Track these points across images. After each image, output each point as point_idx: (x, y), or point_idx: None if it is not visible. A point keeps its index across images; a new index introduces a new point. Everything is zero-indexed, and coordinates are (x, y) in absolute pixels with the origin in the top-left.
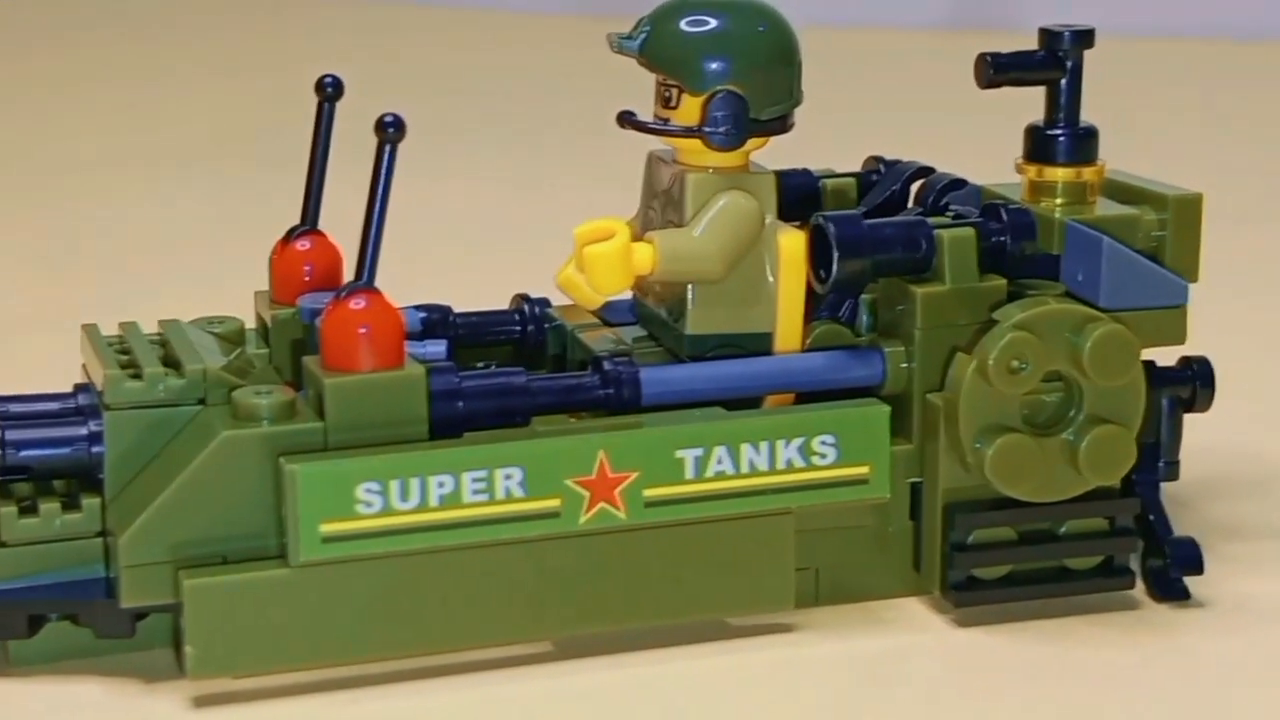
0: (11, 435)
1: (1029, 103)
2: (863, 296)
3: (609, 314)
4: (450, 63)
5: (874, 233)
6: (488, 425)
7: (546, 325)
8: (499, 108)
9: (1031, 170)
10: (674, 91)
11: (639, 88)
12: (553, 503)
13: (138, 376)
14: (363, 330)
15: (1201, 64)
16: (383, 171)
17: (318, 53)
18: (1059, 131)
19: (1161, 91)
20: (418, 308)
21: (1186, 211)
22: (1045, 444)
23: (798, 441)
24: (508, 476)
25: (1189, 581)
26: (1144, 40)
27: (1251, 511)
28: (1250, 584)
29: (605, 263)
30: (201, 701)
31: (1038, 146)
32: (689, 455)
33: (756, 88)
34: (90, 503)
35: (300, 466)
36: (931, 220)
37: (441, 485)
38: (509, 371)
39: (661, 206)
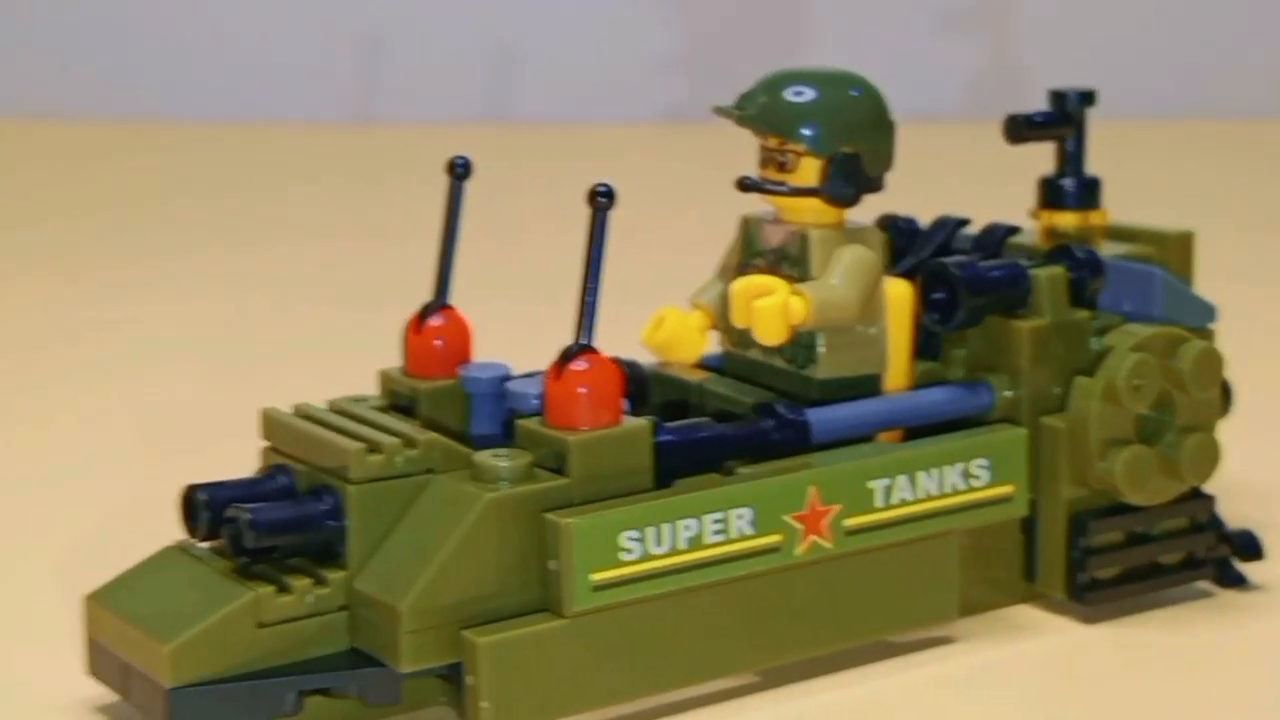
0: (259, 517)
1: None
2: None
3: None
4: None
5: (989, 274)
6: (691, 472)
7: (651, 378)
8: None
9: (1044, 217)
10: (791, 156)
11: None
12: (776, 538)
13: (375, 451)
14: (584, 390)
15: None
16: (596, 238)
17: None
18: (1068, 181)
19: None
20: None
21: (1182, 247)
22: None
23: (960, 466)
24: (739, 516)
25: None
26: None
27: (1258, 505)
28: None
29: (772, 315)
30: None
31: (1049, 195)
32: (879, 485)
33: (869, 149)
34: (335, 577)
35: (574, 520)
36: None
37: (687, 529)
38: (699, 424)
39: (770, 264)
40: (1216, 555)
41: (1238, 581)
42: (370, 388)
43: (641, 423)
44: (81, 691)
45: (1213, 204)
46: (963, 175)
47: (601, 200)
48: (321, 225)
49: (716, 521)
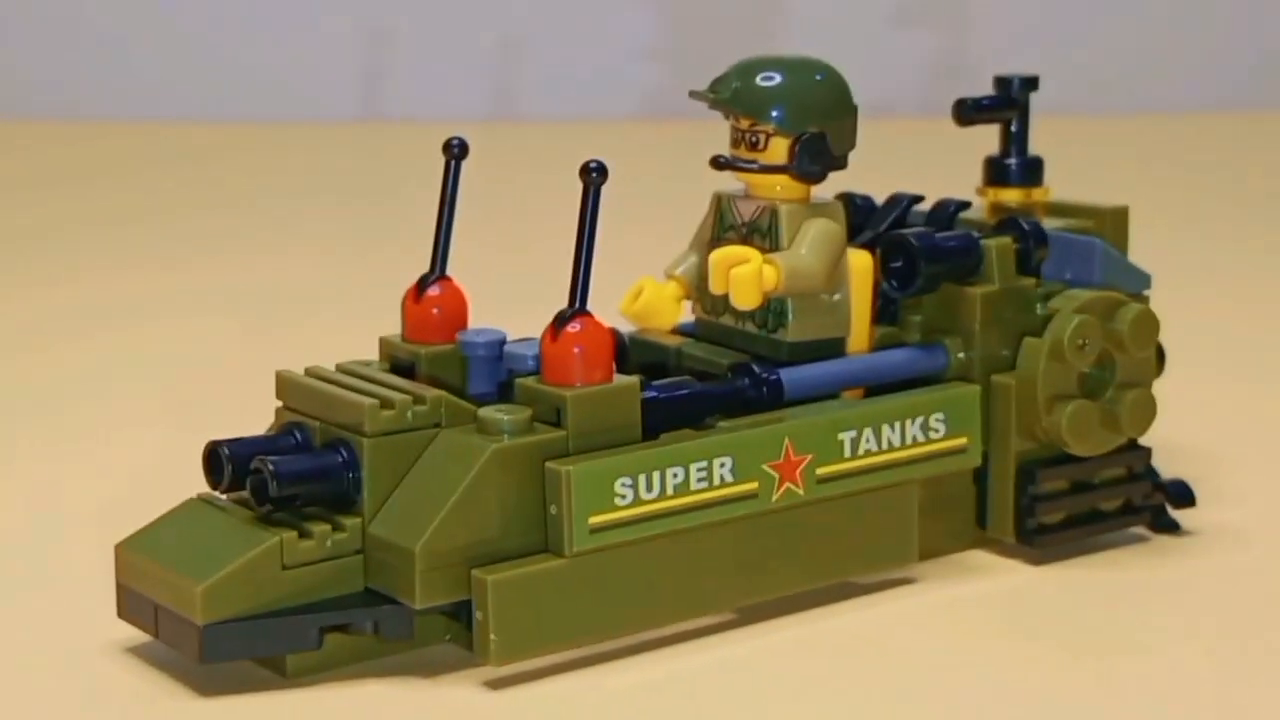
0: (283, 468)
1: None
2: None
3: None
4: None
5: (945, 244)
6: (675, 427)
7: (628, 343)
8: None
9: (990, 194)
10: (761, 136)
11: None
12: (753, 485)
13: (387, 407)
14: (578, 350)
15: None
16: (589, 210)
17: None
18: (1012, 160)
19: None
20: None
21: (1118, 221)
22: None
23: (920, 420)
24: (721, 465)
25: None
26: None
27: (1188, 457)
28: (1214, 516)
29: (749, 282)
30: (495, 684)
31: (995, 173)
32: (847, 437)
33: (834, 129)
34: (352, 523)
35: (573, 468)
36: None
37: (675, 476)
38: (683, 383)
39: (742, 237)
40: (1152, 503)
41: (1171, 527)
42: (366, 355)
43: (631, 380)
44: (113, 633)
45: (1148, 187)
46: (914, 161)
47: (594, 175)
48: (327, 212)
49: (700, 470)
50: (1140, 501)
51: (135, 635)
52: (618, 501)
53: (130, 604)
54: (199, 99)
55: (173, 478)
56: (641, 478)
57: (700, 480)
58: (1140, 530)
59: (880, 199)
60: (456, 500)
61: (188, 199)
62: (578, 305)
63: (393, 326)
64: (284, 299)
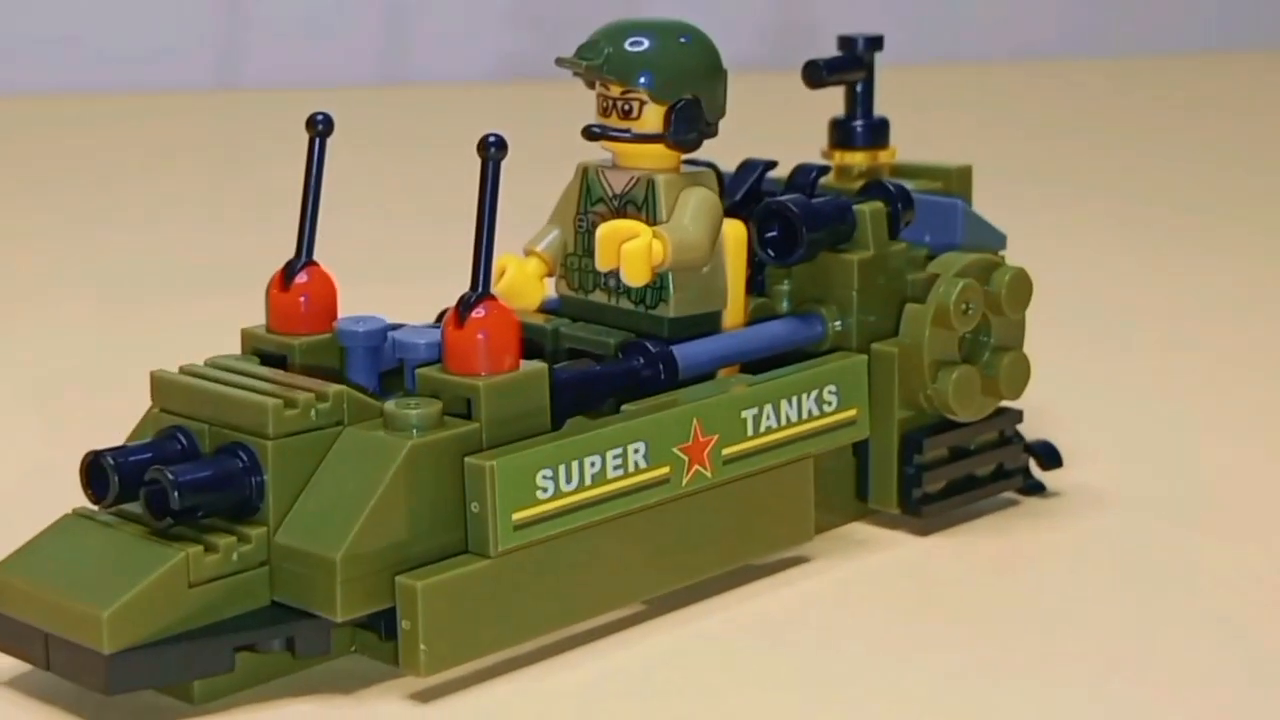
0: (184, 477)
1: None
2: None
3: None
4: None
5: (823, 210)
6: (579, 411)
7: None
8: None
9: (836, 156)
10: (635, 104)
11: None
12: (665, 470)
13: (291, 406)
14: (485, 336)
15: None
16: (488, 187)
17: None
18: (858, 122)
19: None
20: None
21: (963, 180)
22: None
23: (814, 393)
24: (635, 450)
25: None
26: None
27: (1051, 420)
28: (1073, 477)
29: (640, 257)
30: (423, 696)
31: (841, 135)
32: (749, 415)
33: (708, 95)
34: (256, 533)
35: (496, 462)
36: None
37: (593, 465)
38: (583, 366)
39: (615, 210)
40: (1020, 466)
41: (1037, 489)
42: (222, 342)
43: (539, 365)
44: None
45: (982, 141)
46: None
47: (493, 150)
48: (182, 187)
49: (616, 457)
50: (1011, 465)
51: (12, 666)
52: (539, 495)
53: (10, 633)
54: (54, 68)
55: (39, 489)
56: (561, 468)
57: (616, 468)
58: (1009, 495)
59: (714, 161)
60: (375, 503)
61: (38, 173)
62: (480, 289)
63: (254, 311)
64: (125, 282)
